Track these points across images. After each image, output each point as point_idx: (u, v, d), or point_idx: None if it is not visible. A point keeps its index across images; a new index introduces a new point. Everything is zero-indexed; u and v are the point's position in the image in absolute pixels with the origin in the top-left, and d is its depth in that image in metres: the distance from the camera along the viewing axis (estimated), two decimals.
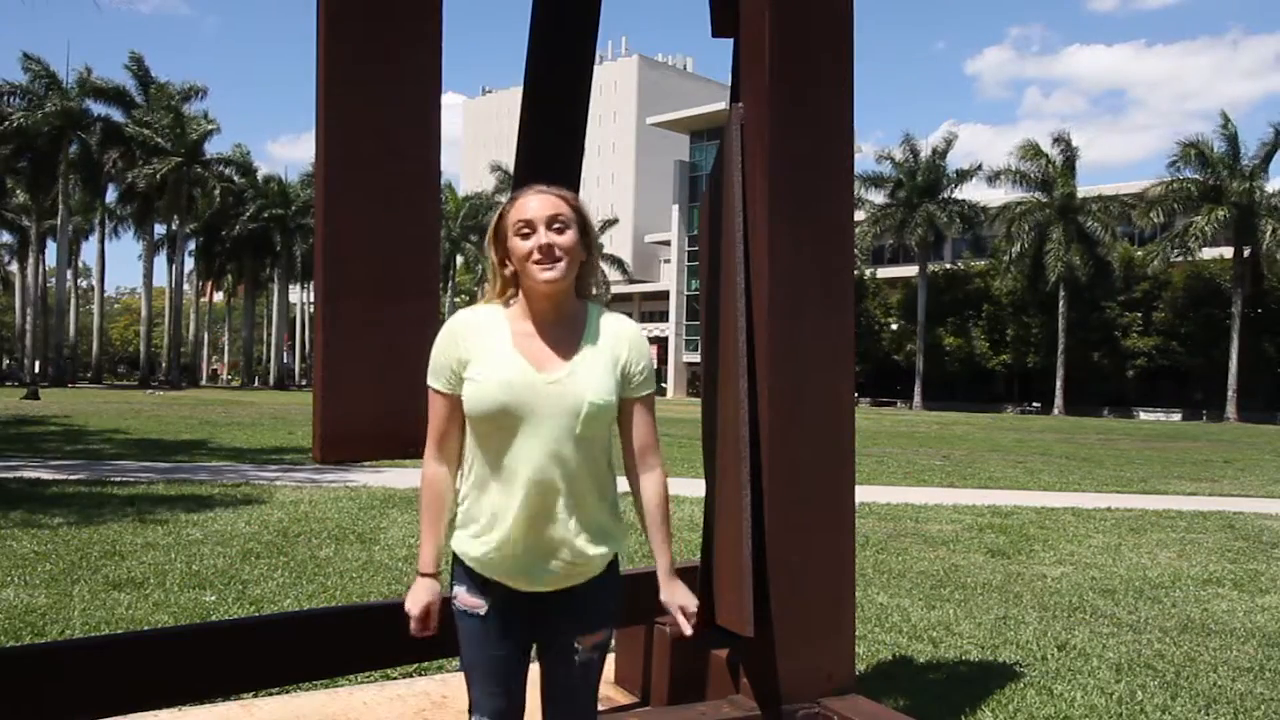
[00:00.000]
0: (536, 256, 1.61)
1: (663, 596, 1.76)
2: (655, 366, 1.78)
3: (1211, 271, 39.80)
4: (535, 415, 1.62)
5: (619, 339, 1.70)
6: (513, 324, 1.68)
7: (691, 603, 1.75)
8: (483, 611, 1.70)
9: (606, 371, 1.66)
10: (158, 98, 45.20)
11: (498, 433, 1.63)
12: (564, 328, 1.68)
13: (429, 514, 1.73)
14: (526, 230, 1.63)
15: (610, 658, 3.30)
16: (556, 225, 1.63)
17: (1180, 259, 39.05)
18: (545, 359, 1.65)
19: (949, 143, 45.91)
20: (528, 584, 1.70)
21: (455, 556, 1.76)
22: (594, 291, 1.73)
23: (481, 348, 1.66)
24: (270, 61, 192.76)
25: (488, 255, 1.72)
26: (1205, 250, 38.45)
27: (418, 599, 1.70)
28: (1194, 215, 37.50)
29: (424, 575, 1.72)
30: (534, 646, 1.79)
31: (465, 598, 1.72)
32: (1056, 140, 41.95)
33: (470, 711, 1.76)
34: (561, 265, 1.62)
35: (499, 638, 1.70)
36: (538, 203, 1.64)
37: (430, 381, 1.71)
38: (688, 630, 1.73)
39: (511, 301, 1.71)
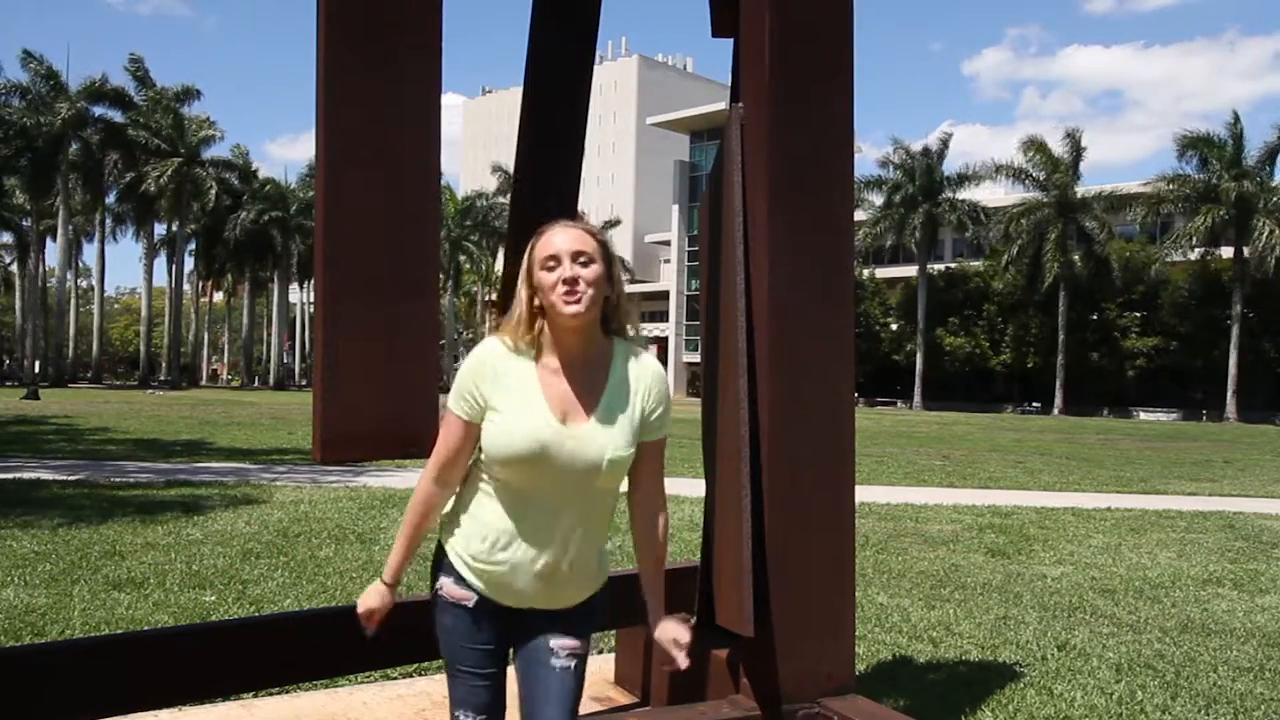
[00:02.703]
0: (562, 289, 1.64)
1: (657, 634, 1.78)
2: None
3: (1210, 272, 39.81)
4: (556, 465, 1.65)
5: (640, 382, 1.73)
6: (540, 362, 1.69)
7: (685, 635, 1.76)
8: (470, 604, 1.73)
9: (627, 422, 1.69)
10: (156, 99, 45.34)
11: (517, 476, 1.67)
12: (590, 368, 1.70)
13: (411, 529, 1.75)
14: (552, 264, 1.65)
15: (610, 658, 3.30)
16: (582, 259, 1.66)
17: (1180, 259, 39.08)
18: (570, 408, 1.67)
19: (945, 142, 45.97)
20: (518, 603, 1.73)
21: (442, 549, 1.77)
22: (626, 328, 1.75)
23: (508, 389, 1.67)
24: (269, 62, 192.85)
25: (519, 293, 1.71)
26: (1198, 250, 38.43)
27: (367, 602, 1.77)
28: (1193, 215, 37.47)
29: (384, 583, 1.77)
30: (510, 653, 1.81)
31: (452, 589, 1.74)
32: (1068, 135, 41.86)
33: (452, 709, 1.77)
34: (586, 298, 1.65)
35: (485, 629, 1.73)
36: (563, 237, 1.67)
37: (450, 405, 1.72)
38: (683, 664, 1.74)
39: (540, 340, 1.72)
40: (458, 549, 1.74)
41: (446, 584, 1.74)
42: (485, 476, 1.71)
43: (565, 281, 1.63)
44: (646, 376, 1.73)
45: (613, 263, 1.71)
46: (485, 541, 1.70)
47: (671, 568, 3.52)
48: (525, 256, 1.70)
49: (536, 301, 1.68)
